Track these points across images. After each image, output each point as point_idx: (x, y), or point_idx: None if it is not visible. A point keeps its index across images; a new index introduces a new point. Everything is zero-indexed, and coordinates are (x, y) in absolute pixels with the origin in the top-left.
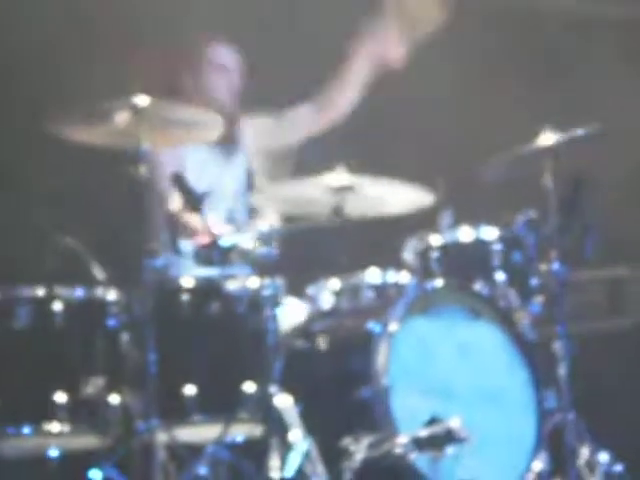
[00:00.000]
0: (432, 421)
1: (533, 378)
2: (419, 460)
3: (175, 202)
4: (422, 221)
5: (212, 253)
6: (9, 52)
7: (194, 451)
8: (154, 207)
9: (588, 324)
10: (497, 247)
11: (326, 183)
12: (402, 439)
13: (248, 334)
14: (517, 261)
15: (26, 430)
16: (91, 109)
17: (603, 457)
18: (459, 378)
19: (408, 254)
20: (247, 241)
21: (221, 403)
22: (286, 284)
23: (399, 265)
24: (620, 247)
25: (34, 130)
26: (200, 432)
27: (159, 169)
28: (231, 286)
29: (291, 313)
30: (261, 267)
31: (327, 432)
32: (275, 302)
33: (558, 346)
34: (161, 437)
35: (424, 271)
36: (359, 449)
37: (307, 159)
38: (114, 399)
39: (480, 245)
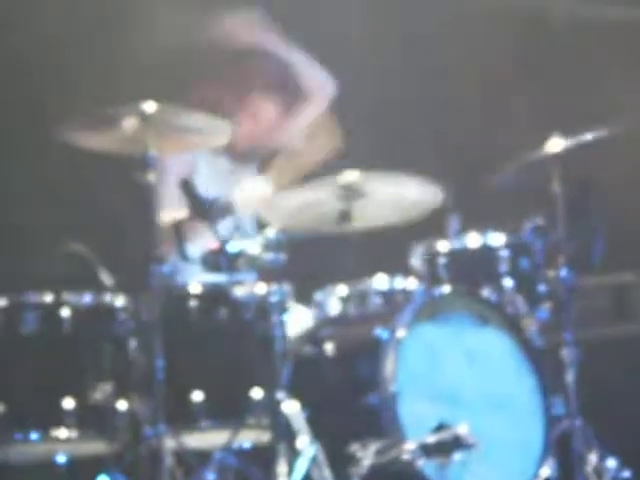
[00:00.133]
0: (440, 427)
1: (541, 384)
2: (427, 466)
3: (182, 208)
4: (430, 227)
5: (219, 259)
6: (16, 55)
7: (202, 457)
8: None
9: (595, 330)
10: (505, 253)
11: (335, 185)
12: (409, 445)
13: (256, 340)
14: (525, 267)
15: (34, 436)
16: (99, 115)
17: (611, 463)
18: (467, 384)
19: (416, 260)
20: (254, 247)
21: (229, 409)
22: (293, 290)
23: (407, 271)
24: (626, 253)
25: (42, 136)
26: (208, 438)
27: (165, 175)
28: (239, 292)
29: (298, 320)
30: (268, 273)
31: (334, 438)
32: (282, 308)
33: (565, 352)
34: (169, 443)
35: (432, 277)
36: (366, 455)
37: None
38: (122, 405)
39: (487, 251)
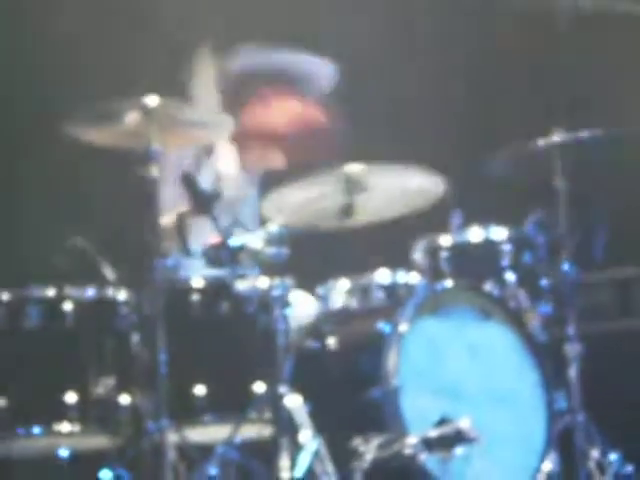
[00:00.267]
0: (442, 422)
1: (543, 379)
2: (429, 461)
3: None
4: (432, 221)
5: (221, 253)
6: (18, 52)
7: (204, 451)
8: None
9: (597, 325)
10: (507, 248)
11: (337, 178)
12: (412, 439)
13: (258, 334)
14: (527, 262)
15: (36, 430)
16: (101, 109)
17: (613, 458)
18: (469, 379)
19: (418, 254)
20: (256, 241)
21: (231, 403)
22: (295, 284)
23: (409, 265)
24: (629, 248)
25: (44, 130)
26: (210, 432)
27: (167, 168)
28: (241, 286)
29: (301, 308)
30: (270, 267)
31: (337, 432)
32: (285, 302)
33: (568, 347)
34: (171, 437)
35: (434, 271)
36: (369, 449)
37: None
38: (124, 399)
39: (490, 245)
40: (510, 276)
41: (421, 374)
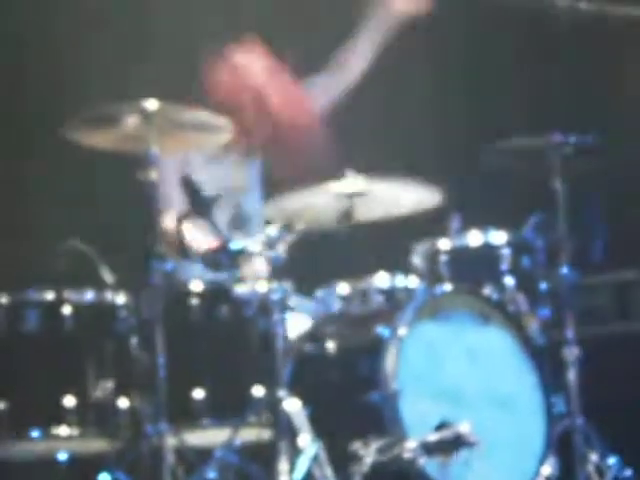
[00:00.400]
0: (441, 426)
1: (542, 383)
2: (428, 465)
3: (182, 206)
4: (431, 225)
5: (220, 257)
6: (19, 53)
7: (203, 455)
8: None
9: (596, 328)
10: (506, 251)
11: (336, 191)
12: (411, 444)
13: (257, 338)
14: (526, 265)
15: (35, 434)
16: (100, 113)
17: (612, 461)
18: (468, 383)
19: (417, 258)
20: (256, 245)
21: (230, 407)
22: (295, 288)
23: (408, 269)
24: (628, 251)
25: (43, 133)
26: (209, 436)
27: (163, 172)
28: (240, 290)
29: (296, 323)
30: (270, 271)
31: (336, 436)
32: (284, 306)
33: (567, 351)
34: (170, 441)
35: (433, 275)
36: (368, 453)
37: (316, 165)
38: (123, 403)
39: (489, 249)
40: (509, 280)
41: (420, 378)
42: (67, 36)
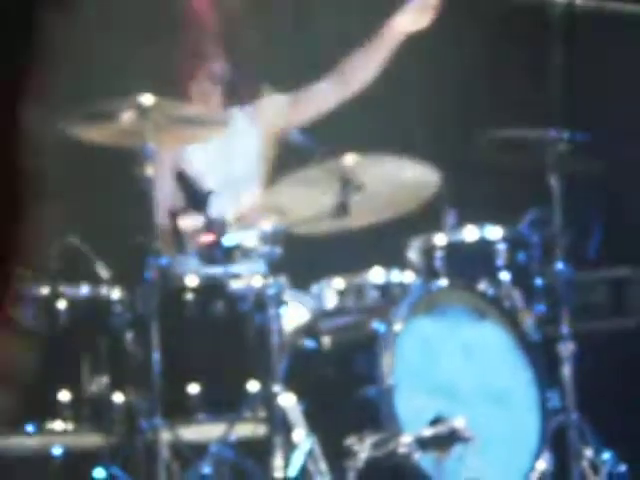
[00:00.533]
0: (436, 421)
1: (537, 378)
2: (423, 460)
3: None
4: (426, 220)
5: (215, 252)
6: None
7: (198, 450)
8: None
9: (591, 324)
10: (502, 247)
11: (331, 171)
12: (406, 439)
13: (252, 333)
14: (522, 261)
15: (29, 428)
16: (96, 108)
17: (607, 457)
18: (463, 378)
19: (412, 254)
20: (251, 240)
21: (225, 402)
22: (290, 283)
23: (403, 265)
24: (624, 247)
25: (38, 127)
26: (204, 431)
27: (160, 167)
28: (235, 285)
29: (293, 315)
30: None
31: (331, 431)
32: (279, 301)
33: (562, 346)
34: (165, 436)
35: (428, 271)
36: (363, 448)
37: (311, 154)
38: (118, 398)
39: (484, 245)
40: (504, 275)
41: (415, 373)
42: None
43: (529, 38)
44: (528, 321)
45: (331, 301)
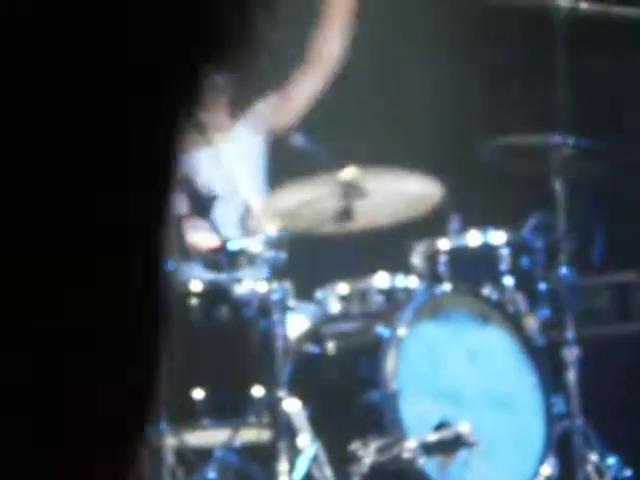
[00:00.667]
0: (441, 426)
1: (542, 383)
2: (428, 465)
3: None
4: (430, 225)
5: (220, 257)
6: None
7: (203, 455)
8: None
9: (595, 329)
10: (505, 252)
11: (335, 183)
12: (411, 444)
13: (257, 338)
14: (525, 266)
15: None
16: None
17: (612, 462)
18: (468, 383)
19: (416, 258)
20: (255, 245)
21: (230, 407)
22: (294, 288)
23: (407, 270)
24: (628, 252)
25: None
26: (208, 436)
27: None
28: (240, 290)
29: (296, 322)
30: (270, 271)
31: (335, 436)
32: (284, 306)
33: (566, 351)
34: (169, 441)
35: (432, 276)
36: (367, 453)
37: (312, 157)
38: None
39: (488, 249)
40: (508, 280)
41: (420, 378)
42: None
43: (532, 43)
44: (532, 326)
45: (335, 306)
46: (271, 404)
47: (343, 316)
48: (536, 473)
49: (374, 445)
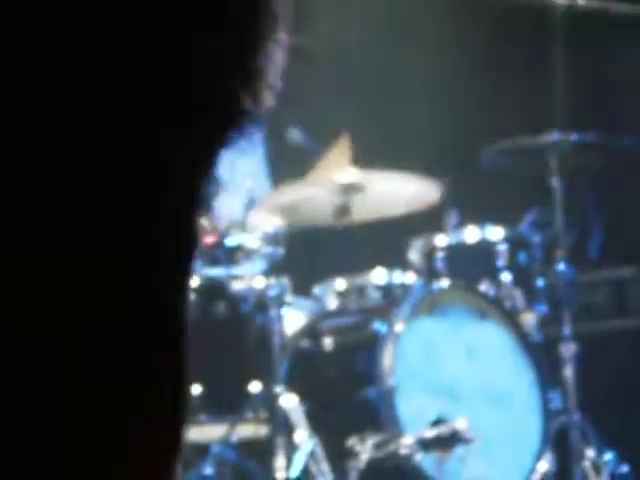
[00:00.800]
0: (438, 422)
1: (539, 379)
2: (425, 461)
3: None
4: (428, 221)
5: (217, 253)
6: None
7: (200, 451)
8: None
9: (593, 325)
10: (503, 247)
11: (332, 181)
12: (408, 440)
13: (254, 334)
14: (523, 262)
15: None
16: None
17: (609, 457)
18: (465, 379)
19: (413, 254)
20: (253, 241)
21: (227, 403)
22: (292, 284)
23: (405, 265)
24: (626, 248)
25: None
26: (205, 432)
27: None
28: (237, 286)
29: (293, 318)
30: (268, 267)
31: (333, 432)
32: (281, 302)
33: (564, 347)
34: None
35: (430, 272)
36: (365, 449)
37: (311, 155)
38: None
39: (486, 245)
40: (506, 276)
41: (417, 374)
42: None
43: (530, 39)
44: (530, 322)
45: (333, 302)
46: (268, 400)
47: (340, 312)
48: (533, 469)
49: (371, 441)
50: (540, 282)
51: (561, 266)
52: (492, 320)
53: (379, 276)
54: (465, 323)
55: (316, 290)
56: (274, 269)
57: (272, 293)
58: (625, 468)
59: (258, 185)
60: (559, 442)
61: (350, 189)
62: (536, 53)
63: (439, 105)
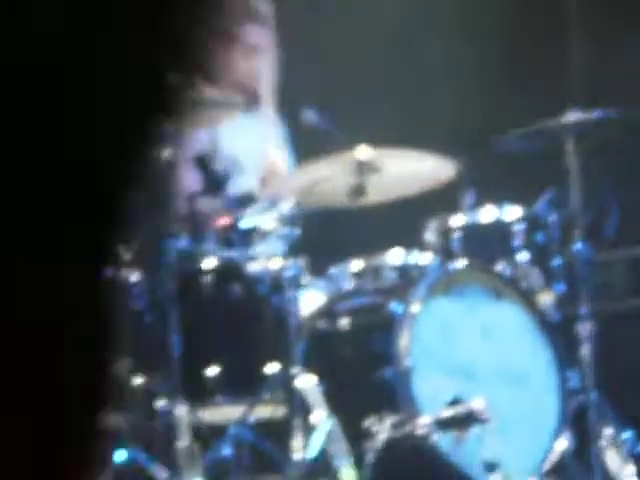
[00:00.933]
0: (455, 402)
1: (556, 358)
2: (442, 441)
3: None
4: (444, 201)
5: (233, 234)
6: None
7: (217, 432)
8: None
9: (610, 304)
10: (519, 227)
11: (348, 161)
12: (425, 420)
13: (270, 315)
14: (540, 241)
15: None
16: None
17: (627, 436)
18: (482, 359)
19: (430, 235)
20: (269, 222)
21: (244, 384)
22: (308, 265)
23: (421, 246)
24: None
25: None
26: (223, 413)
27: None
28: (252, 267)
29: (310, 299)
30: (285, 247)
31: (350, 413)
32: (297, 283)
33: (581, 326)
34: (185, 418)
35: (446, 252)
36: (382, 429)
37: (327, 136)
38: (138, 380)
39: (502, 225)
40: (522, 256)
41: (433, 354)
42: None
43: (547, 22)
44: (547, 301)
45: (349, 283)
46: (285, 381)
47: (357, 292)
48: (551, 448)
49: (388, 421)
50: (557, 261)
51: (578, 245)
52: (508, 300)
53: (395, 256)
54: (481, 303)
55: (332, 271)
56: (290, 250)
57: (288, 274)
58: None
59: (282, 165)
60: (577, 421)
61: (366, 169)
62: (553, 37)
63: (456, 87)
